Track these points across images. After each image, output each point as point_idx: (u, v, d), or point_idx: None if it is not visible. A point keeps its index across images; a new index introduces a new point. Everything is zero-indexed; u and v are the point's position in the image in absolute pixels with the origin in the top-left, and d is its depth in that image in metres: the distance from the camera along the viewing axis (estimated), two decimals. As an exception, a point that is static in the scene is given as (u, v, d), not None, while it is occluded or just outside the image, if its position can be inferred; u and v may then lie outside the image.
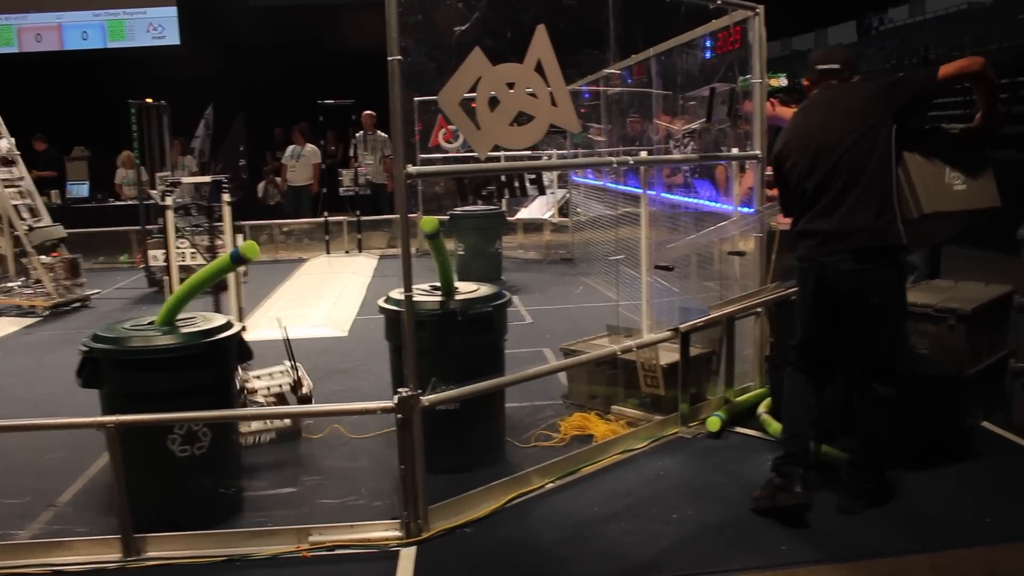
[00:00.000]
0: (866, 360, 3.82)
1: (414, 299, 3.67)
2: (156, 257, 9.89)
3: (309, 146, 14.09)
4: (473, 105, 3.66)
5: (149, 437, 3.66)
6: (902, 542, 3.48)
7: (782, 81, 5.74)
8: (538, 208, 11.50)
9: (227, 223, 5.52)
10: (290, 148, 14.14)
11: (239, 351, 3.98)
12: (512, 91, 3.72)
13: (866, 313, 3.71)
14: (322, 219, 12.83)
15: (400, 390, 3.57)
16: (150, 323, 3.84)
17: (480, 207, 9.39)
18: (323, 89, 14.26)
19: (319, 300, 9.34)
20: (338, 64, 16.10)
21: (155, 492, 3.70)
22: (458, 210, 9.67)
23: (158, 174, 10.33)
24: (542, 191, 5.37)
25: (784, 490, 3.69)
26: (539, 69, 3.79)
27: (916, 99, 3.80)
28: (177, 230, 9.39)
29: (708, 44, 5.62)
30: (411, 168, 3.43)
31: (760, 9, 4.98)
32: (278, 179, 14.95)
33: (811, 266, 3.77)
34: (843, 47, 3.87)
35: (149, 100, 10.17)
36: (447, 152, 11.32)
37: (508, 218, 11.32)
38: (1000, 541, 3.48)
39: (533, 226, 12.43)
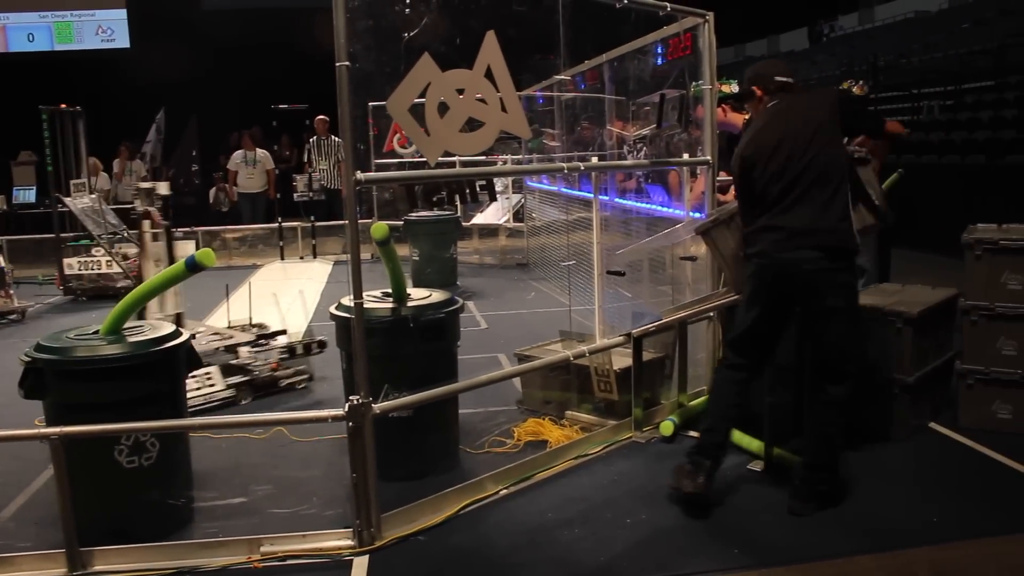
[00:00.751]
0: (817, 360, 3.88)
1: (365, 306, 3.65)
2: (72, 266, 9.73)
3: (261, 151, 13.91)
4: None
5: (95, 449, 3.58)
6: (850, 544, 3.52)
7: (733, 87, 5.80)
8: (493, 213, 11.51)
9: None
10: (239, 153, 13.87)
11: (188, 359, 3.92)
12: (462, 97, 3.72)
13: (818, 313, 3.79)
14: (276, 225, 12.71)
15: (351, 398, 3.55)
16: (95, 332, 3.76)
17: (435, 213, 9.33)
18: (277, 93, 14.14)
19: (273, 306, 9.23)
20: (293, 68, 15.96)
21: (102, 504, 3.63)
22: (412, 216, 9.61)
23: (72, 182, 10.14)
24: (493, 197, 5.37)
25: (688, 478, 3.81)
26: (489, 75, 3.79)
27: (863, 129, 4.23)
28: (91, 238, 9.33)
29: (659, 50, 5.66)
30: (360, 175, 3.41)
31: (709, 16, 5.02)
32: (227, 186, 14.70)
33: (771, 262, 3.82)
34: (784, 60, 4.08)
35: (63, 105, 9.99)
36: (403, 157, 11.28)
37: (463, 223, 11.28)
38: (945, 541, 3.53)
39: (488, 231, 12.43)
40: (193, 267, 3.57)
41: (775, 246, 3.79)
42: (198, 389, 5.30)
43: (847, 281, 3.81)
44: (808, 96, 4.04)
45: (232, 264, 12.55)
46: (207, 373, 5.40)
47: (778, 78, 4.01)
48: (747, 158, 3.94)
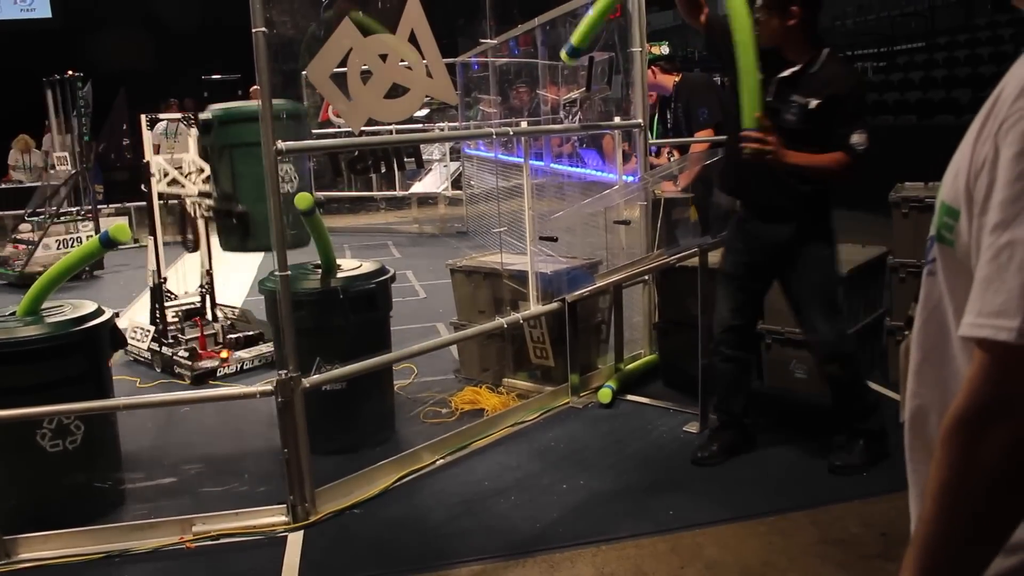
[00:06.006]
0: None
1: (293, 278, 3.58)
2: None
3: None
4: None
5: (16, 434, 3.48)
6: (783, 501, 3.57)
7: (664, 49, 5.79)
8: (432, 182, 11.40)
9: None
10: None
11: (112, 339, 3.82)
12: (385, 63, 3.63)
13: None
14: (212, 198, 12.42)
15: (280, 372, 3.48)
16: (12, 313, 3.64)
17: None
18: (209, 62, 13.74)
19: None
20: (224, 36, 15.54)
21: (26, 491, 3.54)
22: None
23: None
24: (420, 165, 5.28)
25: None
26: (413, 40, 3.70)
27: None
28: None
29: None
30: (280, 144, 3.32)
31: (639, -23, 4.97)
32: None
33: None
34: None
35: None
36: (338, 127, 11.07)
37: (402, 192, 11.09)
38: (875, 494, 3.58)
39: (428, 200, 12.32)
40: (107, 243, 3.45)
41: None
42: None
43: None
44: None
45: (168, 239, 12.26)
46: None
47: None
48: None
